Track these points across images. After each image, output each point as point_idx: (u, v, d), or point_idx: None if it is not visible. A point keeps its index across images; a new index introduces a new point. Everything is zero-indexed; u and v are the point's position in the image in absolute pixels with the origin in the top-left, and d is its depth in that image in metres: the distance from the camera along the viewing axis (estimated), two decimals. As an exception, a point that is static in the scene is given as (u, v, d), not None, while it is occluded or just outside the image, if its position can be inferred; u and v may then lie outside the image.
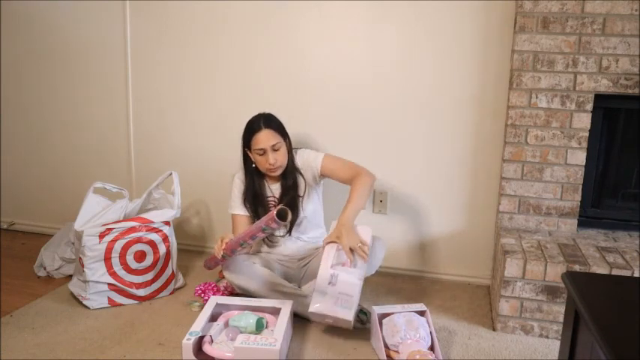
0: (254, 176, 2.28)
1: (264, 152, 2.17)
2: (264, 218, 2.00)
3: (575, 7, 2.15)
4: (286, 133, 2.25)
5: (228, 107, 2.73)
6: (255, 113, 2.65)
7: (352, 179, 2.16)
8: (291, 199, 2.25)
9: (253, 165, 2.25)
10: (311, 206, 2.32)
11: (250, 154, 2.24)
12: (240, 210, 2.30)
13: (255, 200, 2.28)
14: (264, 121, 2.19)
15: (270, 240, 2.33)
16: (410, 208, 2.60)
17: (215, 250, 2.08)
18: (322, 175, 2.29)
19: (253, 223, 2.27)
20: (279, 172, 2.24)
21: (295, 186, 2.27)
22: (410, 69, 2.47)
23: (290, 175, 2.26)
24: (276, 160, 2.17)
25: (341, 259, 1.93)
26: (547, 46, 2.20)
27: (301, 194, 2.28)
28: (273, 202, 2.29)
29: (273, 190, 2.30)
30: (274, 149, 2.17)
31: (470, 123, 2.45)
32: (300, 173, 2.28)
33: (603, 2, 2.12)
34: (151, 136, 2.88)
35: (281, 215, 1.94)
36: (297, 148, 2.34)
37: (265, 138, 2.16)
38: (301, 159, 2.30)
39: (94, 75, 2.90)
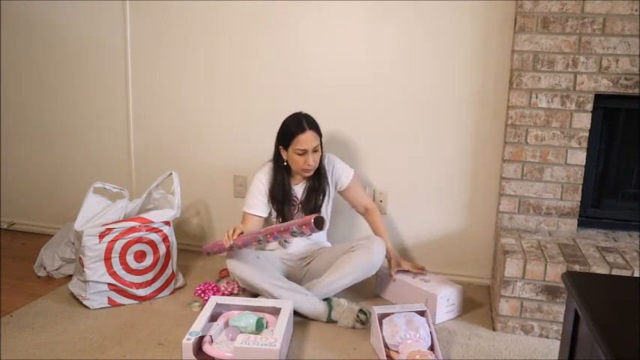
0: (284, 175, 2.27)
1: (304, 153, 2.18)
2: (297, 221, 1.96)
3: (575, 7, 2.15)
4: (321, 136, 2.26)
5: (228, 107, 2.73)
6: (253, 112, 2.66)
7: (370, 211, 2.41)
8: (315, 202, 2.27)
9: (285, 163, 2.25)
10: (326, 210, 2.35)
11: (284, 153, 2.23)
12: (258, 210, 2.26)
13: (283, 200, 2.26)
14: (307, 122, 2.19)
15: (285, 240, 2.32)
16: (410, 208, 2.60)
17: (224, 238, 2.06)
18: (343, 191, 2.35)
19: (272, 222, 2.28)
20: (312, 173, 2.25)
21: (322, 189, 2.29)
22: (410, 69, 2.47)
23: (318, 178, 2.28)
24: (314, 162, 2.19)
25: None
26: (547, 46, 2.20)
27: (325, 198, 2.30)
28: (295, 203, 2.30)
29: (295, 190, 2.31)
30: (314, 150, 2.19)
31: (470, 123, 2.45)
32: (326, 177, 2.30)
33: (603, 2, 2.12)
34: (151, 136, 2.88)
35: (318, 223, 1.91)
36: (325, 153, 2.35)
37: (309, 139, 2.17)
38: (331, 165, 2.32)
39: (94, 75, 2.90)
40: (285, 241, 2.33)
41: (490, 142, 2.44)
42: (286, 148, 2.21)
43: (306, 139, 2.16)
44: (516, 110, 2.28)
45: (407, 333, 1.83)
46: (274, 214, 2.29)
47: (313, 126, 2.21)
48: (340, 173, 2.33)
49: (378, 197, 2.61)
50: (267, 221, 2.32)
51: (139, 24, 2.76)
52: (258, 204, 2.27)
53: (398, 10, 2.43)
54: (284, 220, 2.26)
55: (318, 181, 2.28)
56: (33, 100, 3.03)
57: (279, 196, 2.25)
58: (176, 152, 2.85)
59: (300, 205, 2.30)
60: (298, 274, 2.34)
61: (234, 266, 2.16)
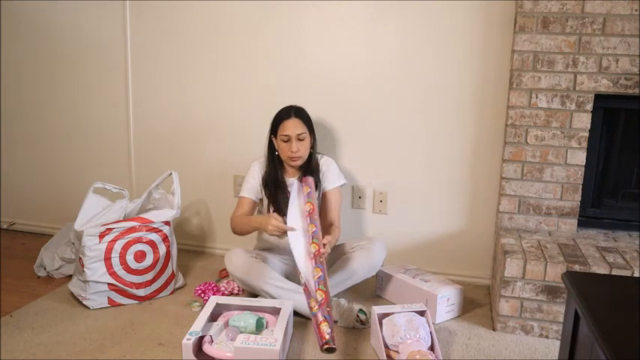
0: (276, 164, 2.31)
1: (288, 139, 2.22)
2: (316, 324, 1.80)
3: (575, 7, 2.15)
4: (313, 130, 2.30)
5: (228, 107, 2.73)
6: (253, 112, 2.65)
7: (332, 226, 2.27)
8: None
9: (276, 153, 2.29)
10: (317, 205, 2.34)
11: (275, 142, 2.28)
12: (249, 193, 2.31)
13: (276, 186, 2.29)
14: (295, 111, 2.27)
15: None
16: (410, 208, 2.60)
17: (281, 226, 2.02)
18: (324, 195, 2.34)
19: (267, 207, 2.31)
20: (299, 163, 2.27)
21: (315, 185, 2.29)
22: (410, 69, 2.47)
23: (310, 174, 2.28)
24: (298, 150, 2.22)
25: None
26: (547, 46, 2.20)
27: (317, 194, 2.30)
28: (289, 196, 2.29)
29: (289, 182, 2.31)
30: (299, 139, 2.22)
31: (470, 123, 2.45)
32: (319, 175, 2.32)
33: (603, 2, 2.12)
34: (151, 136, 2.88)
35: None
36: (322, 154, 2.38)
37: (293, 125, 2.22)
38: (325, 166, 2.34)
39: (94, 75, 2.90)
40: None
41: (490, 142, 2.44)
42: (275, 135, 2.27)
43: (290, 125, 2.22)
44: (516, 110, 2.28)
45: (407, 333, 1.83)
46: (266, 201, 2.32)
47: (299, 114, 2.26)
48: (328, 177, 2.33)
49: (377, 197, 2.62)
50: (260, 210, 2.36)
51: (139, 24, 2.76)
52: (249, 188, 2.31)
53: (398, 10, 2.43)
54: (276, 206, 2.27)
55: (310, 176, 2.28)
56: (33, 100, 3.03)
57: (272, 183, 2.28)
58: (176, 152, 2.85)
59: None
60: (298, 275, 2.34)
61: (233, 268, 2.16)
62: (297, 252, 1.95)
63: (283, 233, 2.04)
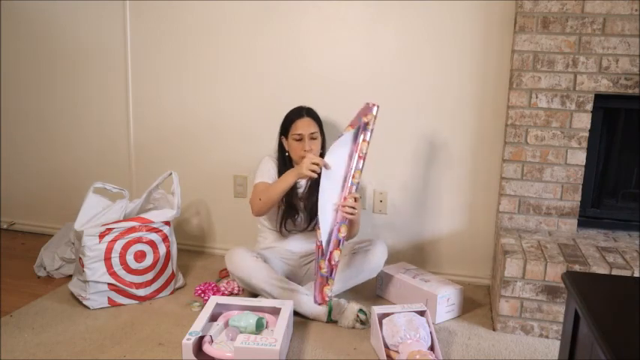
0: (287, 165, 2.30)
1: (301, 138, 2.23)
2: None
3: (575, 7, 2.15)
4: (323, 130, 2.32)
5: (228, 107, 2.73)
6: (253, 113, 2.66)
7: None
8: (317, 197, 2.26)
9: (287, 154, 2.30)
10: None
11: (286, 143, 2.29)
12: (270, 181, 2.26)
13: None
14: (307, 111, 2.29)
15: (286, 229, 2.31)
16: (410, 208, 2.60)
17: (318, 160, 2.02)
18: None
19: (277, 207, 2.28)
20: None
21: None
22: (410, 69, 2.47)
23: (319, 173, 2.27)
24: (311, 148, 2.23)
25: None
26: (547, 46, 2.20)
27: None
28: (299, 195, 2.32)
29: (299, 183, 2.30)
30: (312, 137, 2.24)
31: (470, 123, 2.45)
32: None
33: (603, 2, 2.12)
34: (151, 136, 2.88)
35: None
36: None
37: (306, 124, 2.24)
38: None
39: (94, 75, 2.89)
40: (288, 230, 2.32)
41: (490, 142, 2.44)
42: (286, 136, 2.27)
43: (303, 124, 2.23)
44: (516, 110, 2.28)
45: (407, 333, 1.83)
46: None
47: (311, 114, 2.28)
48: None
49: (377, 197, 2.62)
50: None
51: (139, 24, 2.76)
52: (268, 175, 2.27)
53: (398, 10, 2.43)
54: (288, 205, 2.27)
55: (319, 175, 2.27)
56: (33, 100, 3.03)
57: None
58: (176, 152, 2.85)
59: (302, 200, 2.30)
60: (298, 274, 2.34)
61: (234, 267, 2.16)
62: (324, 198, 1.97)
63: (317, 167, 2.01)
